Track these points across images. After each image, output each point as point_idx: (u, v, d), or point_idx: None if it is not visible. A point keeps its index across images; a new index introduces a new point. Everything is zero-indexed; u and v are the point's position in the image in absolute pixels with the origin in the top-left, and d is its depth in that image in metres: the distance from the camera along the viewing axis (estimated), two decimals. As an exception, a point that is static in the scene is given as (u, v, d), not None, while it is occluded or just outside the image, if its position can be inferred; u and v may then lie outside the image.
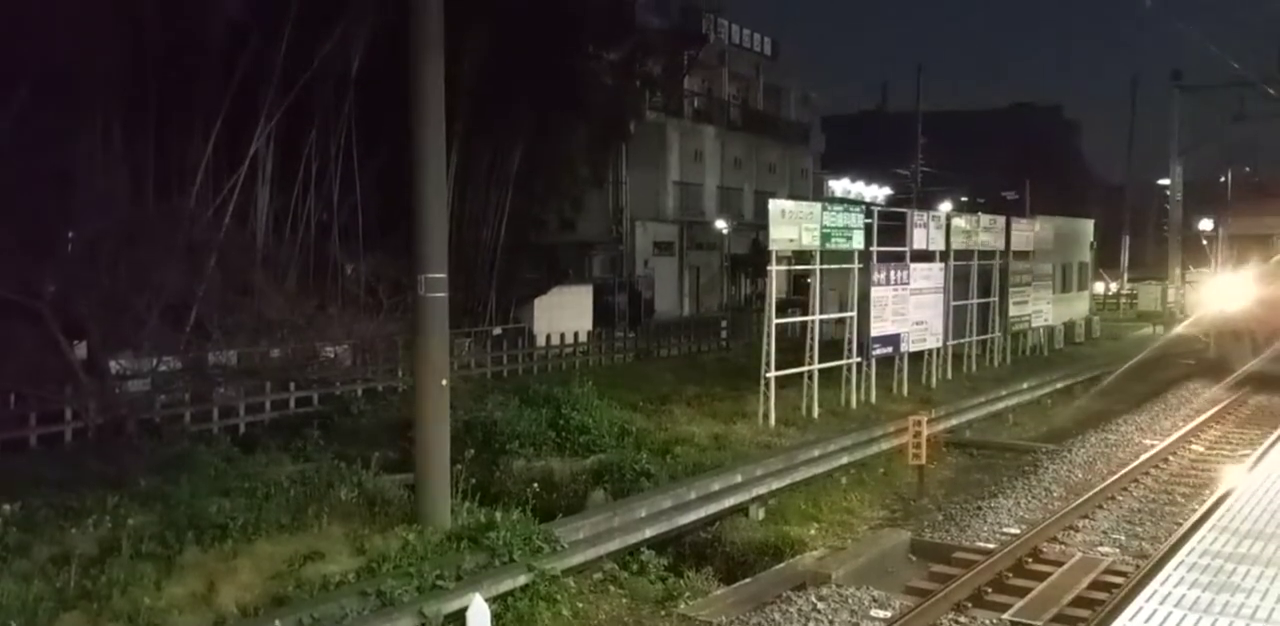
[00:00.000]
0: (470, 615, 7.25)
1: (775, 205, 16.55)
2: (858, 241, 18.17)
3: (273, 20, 18.22)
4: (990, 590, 9.18)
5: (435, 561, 8.69)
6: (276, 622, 7.44)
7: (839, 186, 56.75)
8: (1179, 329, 27.47)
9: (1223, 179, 45.57)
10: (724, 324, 28.50)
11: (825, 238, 17.22)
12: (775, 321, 16.40)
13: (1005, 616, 8.58)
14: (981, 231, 22.53)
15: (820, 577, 9.31)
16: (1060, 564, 9.85)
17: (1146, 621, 6.09)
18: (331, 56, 19.34)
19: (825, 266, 17.78)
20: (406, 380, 16.28)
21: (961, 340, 22.18)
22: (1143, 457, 14.13)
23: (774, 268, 16.76)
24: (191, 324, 15.17)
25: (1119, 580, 9.27)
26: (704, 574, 10.20)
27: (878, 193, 57.53)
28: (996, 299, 23.59)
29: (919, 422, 13.22)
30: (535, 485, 11.71)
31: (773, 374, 16.30)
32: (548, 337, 24.00)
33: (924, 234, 20.38)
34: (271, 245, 18.98)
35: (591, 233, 34.19)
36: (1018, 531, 10.84)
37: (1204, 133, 38.03)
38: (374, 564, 8.68)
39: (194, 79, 17.66)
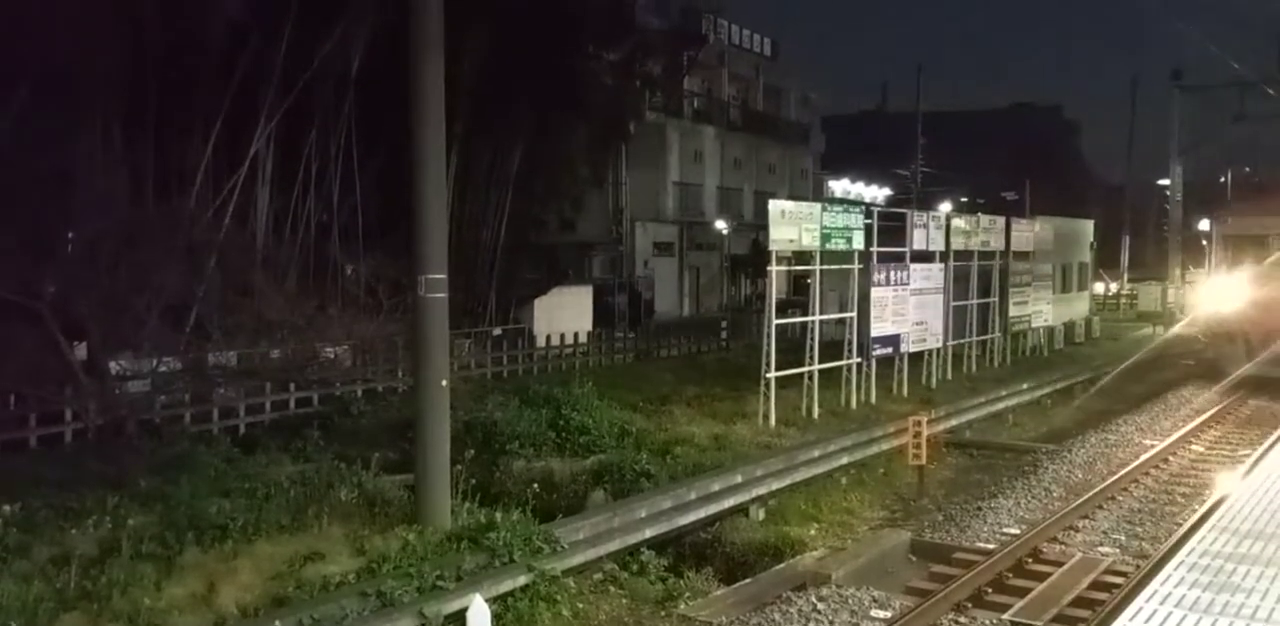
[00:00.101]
0: (470, 615, 7.26)
1: (775, 205, 16.55)
2: (858, 242, 18.18)
3: (273, 20, 18.23)
4: (990, 590, 9.18)
5: (435, 562, 8.69)
6: (276, 623, 7.44)
7: (839, 187, 56.76)
8: (1175, 329, 27.40)
9: (1223, 179, 45.62)
10: (724, 324, 28.48)
11: (825, 238, 17.22)
12: (775, 322, 16.40)
13: (1005, 616, 8.58)
14: (981, 232, 22.54)
15: (820, 578, 9.30)
16: (1060, 564, 9.85)
17: (1147, 621, 6.08)
18: (331, 57, 19.35)
19: (825, 267, 17.78)
20: (406, 380, 16.30)
21: (961, 340, 22.18)
22: (1143, 458, 14.13)
23: (774, 268, 16.76)
24: (191, 324, 15.19)
25: (1119, 580, 9.26)
26: (704, 574, 10.19)
27: (878, 193, 57.55)
28: (996, 299, 23.59)
29: (919, 423, 13.22)
30: (535, 485, 11.70)
31: (773, 374, 16.30)
32: (548, 338, 24.00)
33: (924, 234, 20.38)
34: (271, 246, 18.99)
35: (591, 233, 34.21)
36: (1018, 531, 10.83)
37: (1204, 133, 38.00)
38: (374, 564, 8.68)
39: (194, 79, 17.67)
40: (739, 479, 12.12)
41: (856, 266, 18.41)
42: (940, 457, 14.89)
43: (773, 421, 16.08)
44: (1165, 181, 40.31)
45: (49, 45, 14.21)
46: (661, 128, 37.55)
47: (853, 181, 58.07)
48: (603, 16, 26.45)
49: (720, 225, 38.79)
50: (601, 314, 28.47)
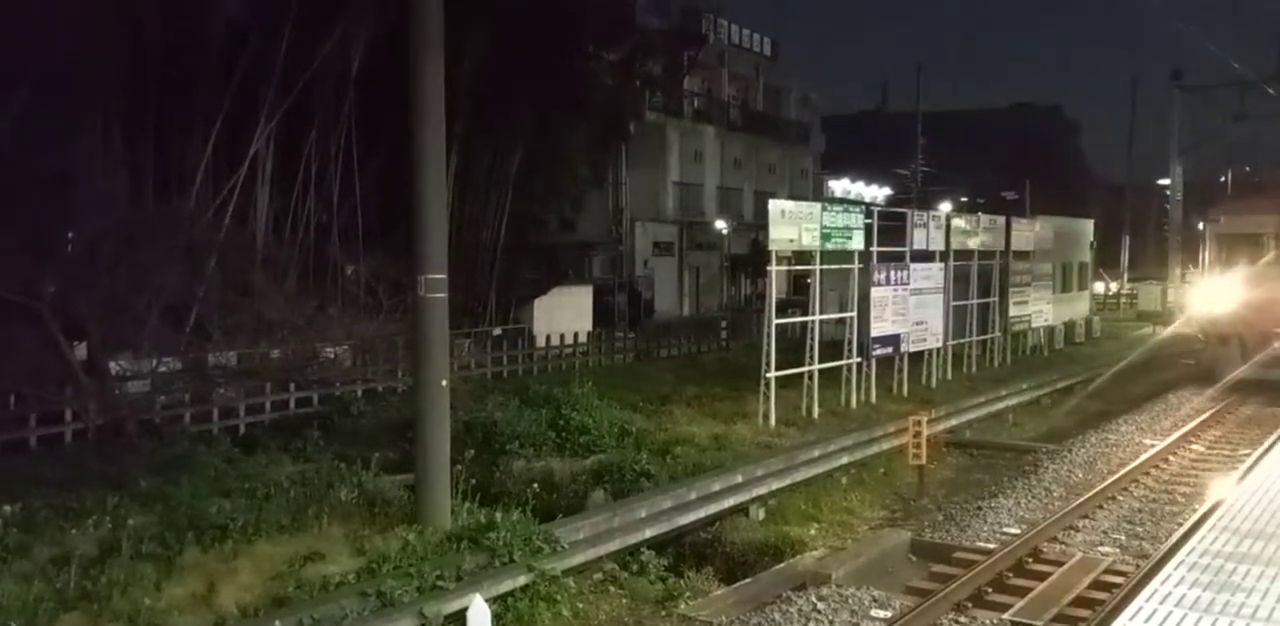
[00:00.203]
0: (470, 615, 7.26)
1: (775, 205, 16.55)
2: (858, 242, 18.18)
3: (273, 20, 18.23)
4: (990, 590, 9.18)
5: (435, 562, 8.69)
6: (277, 623, 7.44)
7: (839, 186, 56.75)
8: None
9: (1223, 179, 45.62)
10: (724, 324, 28.49)
11: (825, 238, 17.22)
12: (775, 321, 16.40)
13: (1006, 616, 8.57)
14: (981, 231, 22.54)
15: (820, 577, 9.30)
16: (1060, 564, 9.84)
17: (1147, 621, 6.08)
18: (331, 57, 19.35)
19: (825, 267, 17.78)
20: (406, 380, 16.30)
21: (961, 340, 22.19)
22: (1143, 457, 14.12)
23: (774, 268, 16.76)
24: (191, 325, 15.19)
25: (1119, 580, 9.26)
26: (704, 574, 10.19)
27: (878, 193, 57.54)
28: (996, 299, 23.60)
29: (919, 423, 13.22)
30: (535, 485, 11.70)
31: (773, 374, 16.30)
32: (548, 338, 24.00)
33: (924, 234, 20.38)
34: (271, 246, 18.99)
35: (591, 233, 34.21)
36: (1018, 531, 10.83)
37: (1204, 132, 38.04)
38: (374, 564, 8.68)
39: (194, 79, 17.67)
40: (739, 479, 12.12)
41: (856, 266, 18.42)
42: (940, 457, 14.89)
43: (773, 421, 16.08)
44: (1165, 181, 40.37)
45: (49, 45, 14.21)
46: (661, 127, 37.55)
47: (853, 181, 58.05)
48: (603, 16, 26.46)
49: (720, 225, 38.80)
50: (601, 314, 28.47)
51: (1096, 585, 9.29)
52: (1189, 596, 6.45)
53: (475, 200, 24.05)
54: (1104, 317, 35.47)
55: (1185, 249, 34.67)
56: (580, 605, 8.96)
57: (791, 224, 16.52)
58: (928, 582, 9.55)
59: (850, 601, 8.77)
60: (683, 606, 9.08)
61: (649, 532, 10.49)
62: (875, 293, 18.66)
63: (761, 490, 12.23)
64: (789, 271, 21.59)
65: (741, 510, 11.91)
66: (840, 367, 18.10)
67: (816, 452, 13.79)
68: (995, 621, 8.52)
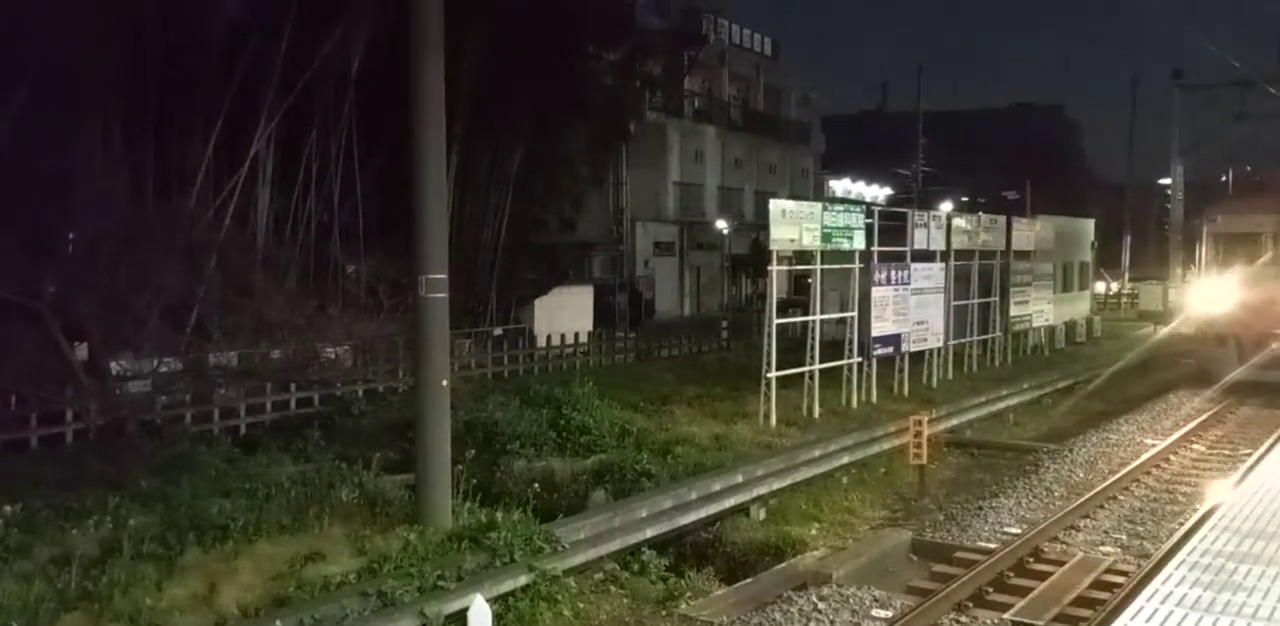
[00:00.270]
0: (471, 615, 7.25)
1: (776, 205, 16.54)
2: (858, 241, 18.17)
3: (273, 20, 18.23)
4: (991, 590, 9.18)
5: (436, 561, 8.68)
6: (278, 623, 7.44)
7: (839, 186, 56.78)
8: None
9: (1224, 178, 45.60)
10: (724, 324, 28.49)
11: (826, 238, 17.21)
12: (776, 321, 16.39)
13: (1007, 616, 8.57)
14: (982, 231, 22.53)
15: (821, 577, 9.30)
16: (1062, 563, 9.84)
17: (1148, 620, 6.08)
18: (332, 57, 19.35)
19: (826, 266, 17.78)
20: (407, 381, 16.29)
21: (962, 340, 22.18)
22: (1144, 457, 14.12)
23: (774, 268, 16.75)
24: (192, 325, 15.19)
25: (1120, 579, 9.26)
26: (705, 574, 10.19)
27: (878, 193, 57.57)
28: (997, 299, 23.59)
29: (920, 422, 13.21)
30: (536, 485, 11.69)
31: (773, 374, 16.29)
32: (548, 338, 23.99)
33: (925, 234, 20.38)
34: (272, 246, 18.99)
35: (592, 233, 34.22)
36: (1019, 531, 10.83)
37: (1205, 132, 37.97)
38: (375, 564, 8.68)
39: (194, 79, 17.67)
40: (740, 478, 12.12)
41: (857, 266, 18.41)
42: (941, 457, 14.89)
43: (773, 421, 16.08)
44: (1166, 180, 40.27)
45: (49, 45, 14.21)
46: (662, 127, 37.56)
47: (853, 181, 58.09)
48: (603, 16, 26.46)
49: (721, 225, 38.81)
50: (602, 314, 28.47)
51: (1097, 585, 9.29)
52: (1190, 596, 6.45)
53: (476, 200, 24.05)
54: (1105, 317, 35.47)
55: (1186, 248, 34.62)
56: (581, 605, 8.96)
57: (792, 224, 16.51)
58: (929, 582, 9.55)
59: (851, 601, 8.77)
60: (683, 606, 9.08)
61: (650, 532, 10.49)
62: (876, 292, 18.66)
63: (762, 490, 12.22)
64: (790, 271, 21.60)
65: (742, 510, 11.91)
66: (841, 367, 18.09)
67: (817, 452, 13.79)
68: (996, 621, 8.52)
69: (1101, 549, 10.48)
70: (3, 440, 13.11)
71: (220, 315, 14.63)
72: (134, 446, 11.63)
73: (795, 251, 17.58)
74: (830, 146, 54.39)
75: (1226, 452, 15.00)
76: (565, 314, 25.88)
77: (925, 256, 20.63)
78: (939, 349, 21.12)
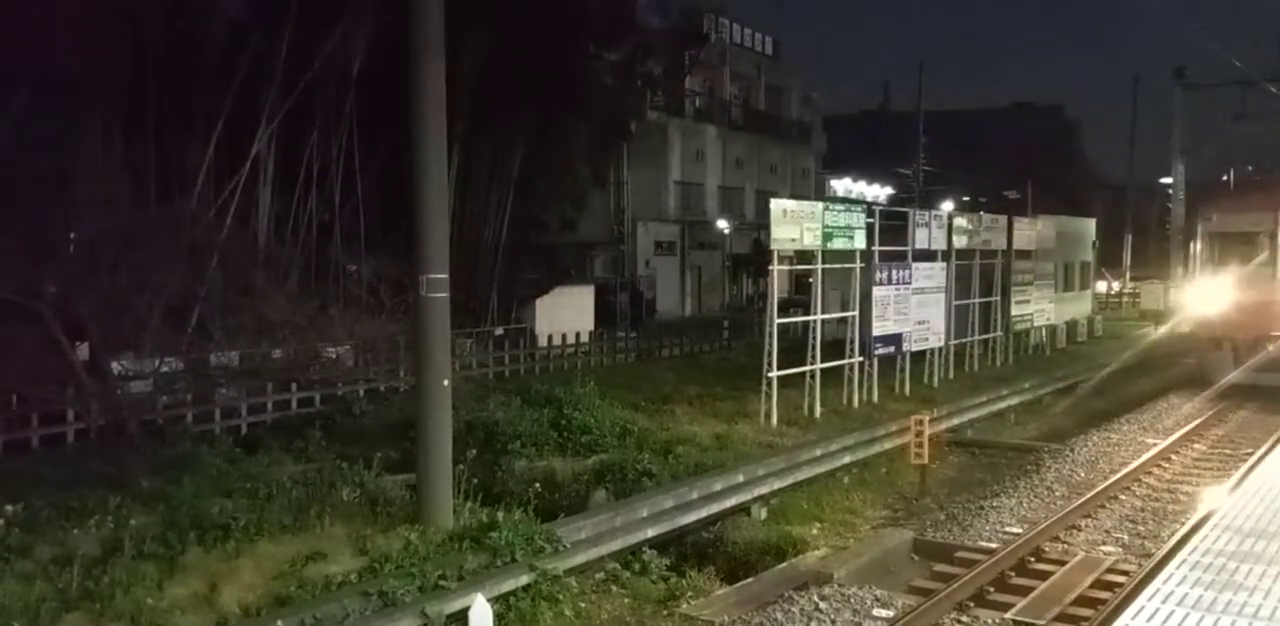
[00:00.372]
0: (472, 615, 7.25)
1: (777, 205, 16.54)
2: (859, 241, 18.17)
3: (273, 21, 18.23)
4: (993, 589, 9.18)
5: (437, 561, 8.69)
6: (279, 623, 7.44)
7: (841, 186, 56.78)
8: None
9: (1225, 178, 45.50)
10: (726, 324, 28.49)
11: (827, 237, 17.22)
12: (777, 321, 16.40)
13: (1008, 615, 8.57)
14: (983, 231, 22.53)
15: (822, 577, 9.30)
16: (1063, 563, 9.85)
17: (1149, 620, 6.08)
18: (332, 57, 19.36)
19: (827, 266, 17.78)
20: (408, 380, 16.29)
21: (964, 339, 22.18)
22: (1145, 456, 14.12)
23: (776, 267, 16.76)
24: (193, 325, 15.19)
25: (1121, 579, 9.26)
26: (706, 573, 10.18)
27: (880, 192, 57.57)
28: (998, 298, 23.58)
29: (921, 422, 13.22)
30: (537, 485, 11.69)
31: (775, 373, 16.29)
32: (549, 338, 23.99)
33: (926, 233, 20.38)
34: (273, 246, 19.00)
35: (593, 233, 34.22)
36: (1020, 530, 10.83)
37: (1207, 131, 37.97)
38: (376, 564, 8.69)
39: (195, 80, 17.68)
40: (741, 478, 12.11)
41: (858, 265, 18.40)
42: (942, 456, 14.89)
43: (775, 420, 16.08)
44: (1167, 180, 40.28)
45: (50, 45, 14.22)
46: (663, 127, 37.55)
47: (854, 181, 58.08)
48: (603, 16, 26.45)
49: (722, 224, 38.79)
50: (603, 313, 28.46)
51: (1099, 584, 9.29)
52: (1191, 595, 6.45)
53: (477, 200, 24.06)
54: (1106, 317, 35.44)
55: (1187, 248, 34.55)
56: (582, 604, 8.97)
57: (793, 223, 16.52)
58: (930, 582, 9.55)
59: (852, 601, 8.77)
60: (685, 606, 9.08)
61: (651, 532, 10.49)
62: (877, 292, 18.66)
63: (763, 489, 12.22)
64: (791, 271, 21.60)
65: (743, 509, 11.91)
66: (842, 367, 18.09)
67: (818, 452, 13.79)
68: (997, 620, 8.52)
69: (1103, 548, 10.48)
70: (4, 440, 13.14)
71: (222, 315, 14.63)
72: (135, 446, 11.64)
73: (796, 251, 17.58)
74: (831, 146, 54.39)
75: (1228, 452, 15.00)
76: (566, 313, 25.88)
77: (926, 256, 20.63)
78: (940, 348, 21.11)
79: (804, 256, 17.98)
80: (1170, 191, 38.14)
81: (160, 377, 13.27)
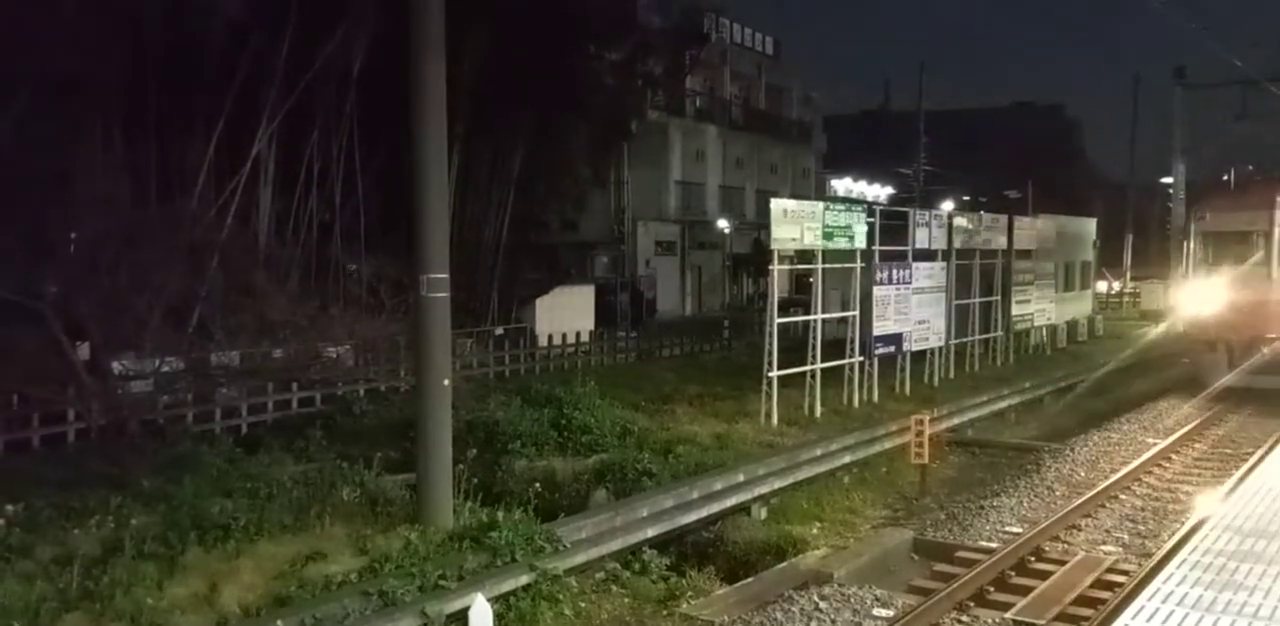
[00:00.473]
0: (472, 615, 7.25)
1: (777, 204, 16.54)
2: (860, 241, 18.16)
3: (274, 21, 18.24)
4: (993, 589, 9.18)
5: (437, 561, 8.69)
6: (279, 622, 7.44)
7: (841, 186, 56.77)
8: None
9: (1226, 177, 45.47)
10: (726, 323, 28.49)
11: (827, 237, 17.21)
12: (777, 321, 16.40)
13: (1008, 615, 8.57)
14: (984, 230, 22.52)
15: (823, 577, 9.31)
16: (1063, 562, 9.84)
17: (1149, 619, 6.08)
18: (333, 57, 19.36)
19: (827, 266, 17.77)
20: (409, 380, 16.29)
21: (964, 339, 22.17)
22: (1145, 456, 14.11)
23: (776, 267, 16.76)
24: (194, 325, 15.19)
25: (1122, 578, 9.26)
26: (706, 573, 10.18)
27: (880, 192, 57.56)
28: (999, 298, 23.58)
29: (921, 421, 13.21)
30: (537, 485, 11.70)
31: (775, 373, 16.29)
32: (550, 337, 24.00)
33: (926, 233, 20.37)
34: (274, 246, 19.01)
35: (593, 232, 34.22)
36: (1020, 530, 10.83)
37: (1207, 131, 37.96)
38: (376, 564, 8.69)
39: (195, 80, 17.69)
40: (741, 477, 12.12)
41: (859, 265, 18.40)
42: (943, 456, 14.88)
43: (775, 420, 16.08)
44: (1168, 179, 40.27)
45: (51, 46, 14.22)
46: (663, 127, 37.56)
47: (855, 180, 58.07)
48: (604, 16, 26.44)
49: (722, 224, 38.80)
50: (603, 313, 28.47)
51: (1099, 584, 9.29)
52: (1191, 595, 6.45)
53: (477, 200, 24.06)
54: (1106, 317, 35.42)
55: (1182, 247, 34.51)
56: (582, 604, 8.97)
57: (794, 223, 16.52)
58: (930, 581, 9.55)
59: (852, 600, 8.77)
60: (685, 605, 9.08)
61: (651, 532, 10.50)
62: (877, 291, 18.66)
63: (763, 489, 12.22)
64: (791, 270, 21.59)
65: (744, 509, 11.91)
66: (842, 366, 18.09)
67: (819, 451, 13.79)
68: (998, 620, 8.52)
69: (1103, 548, 10.48)
70: (5, 440, 13.15)
71: (222, 315, 14.64)
72: (136, 446, 11.64)
73: (797, 251, 17.58)
74: (832, 146, 54.41)
75: (1229, 451, 14.99)
76: (567, 313, 25.89)
77: (927, 255, 20.62)
78: (940, 348, 21.11)
79: (804, 256, 17.97)
80: (1171, 191, 38.11)
81: (161, 377, 13.27)
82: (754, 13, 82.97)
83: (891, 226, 19.63)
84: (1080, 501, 11.73)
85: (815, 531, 11.57)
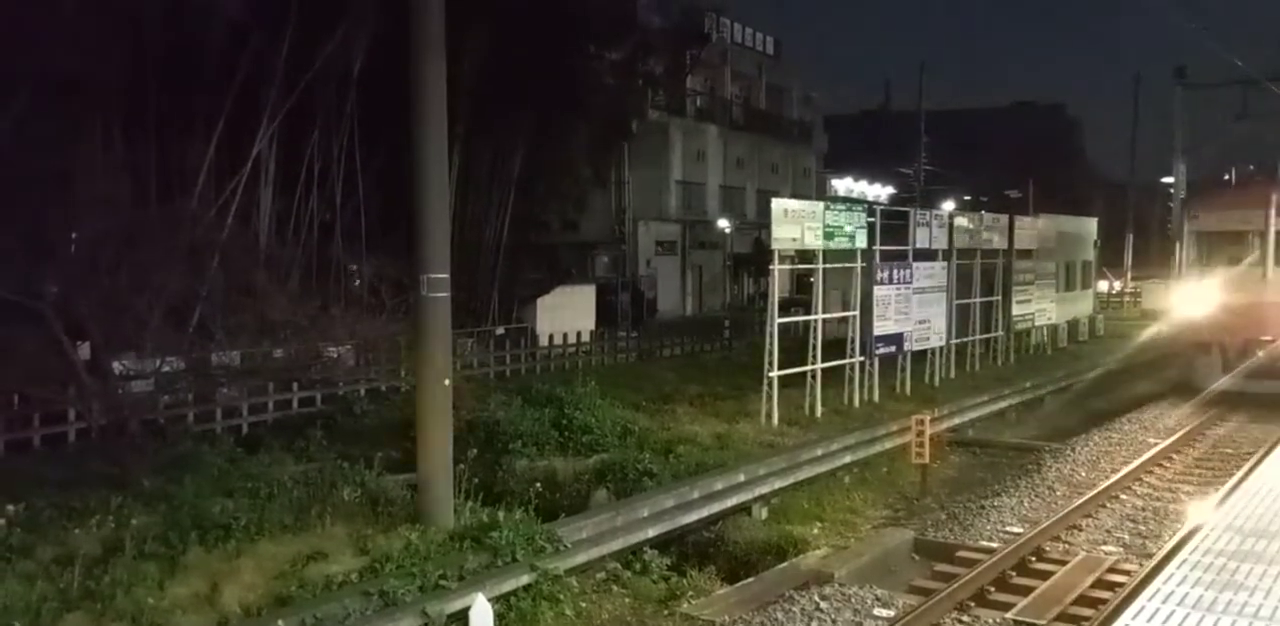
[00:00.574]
0: (473, 615, 7.25)
1: (778, 204, 16.54)
2: (860, 240, 18.16)
3: (274, 21, 18.23)
4: (993, 589, 9.18)
5: (438, 561, 8.69)
6: (280, 622, 7.45)
7: (842, 186, 56.75)
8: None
9: (1227, 177, 45.46)
10: (727, 323, 28.49)
11: (828, 237, 17.21)
12: (778, 320, 16.40)
13: (1008, 615, 8.57)
14: (984, 230, 22.52)
15: (823, 577, 9.31)
16: (1064, 562, 9.85)
17: (1150, 619, 6.08)
18: (333, 57, 19.35)
19: (828, 265, 17.77)
20: (409, 380, 16.23)
21: (965, 339, 22.17)
22: (1146, 456, 14.11)
23: (776, 267, 16.76)
24: (195, 324, 15.18)
25: (1122, 578, 9.26)
26: (707, 573, 10.19)
27: (881, 192, 57.56)
28: (1000, 297, 23.57)
29: (922, 421, 13.21)
30: (538, 485, 11.71)
31: (775, 373, 16.29)
32: (550, 337, 23.99)
33: (927, 233, 20.37)
34: (274, 246, 18.99)
35: (594, 232, 34.22)
36: (1021, 530, 10.83)
37: (1208, 131, 37.93)
38: (377, 564, 8.69)
39: (196, 80, 17.68)
40: (742, 477, 12.12)
41: (859, 265, 18.40)
42: (943, 456, 14.89)
43: (775, 420, 16.08)
44: (1169, 179, 40.24)
45: (51, 46, 14.22)
46: (664, 126, 37.55)
47: (856, 180, 58.06)
48: (604, 16, 26.43)
49: (723, 224, 38.80)
50: (604, 313, 28.47)
51: (1099, 584, 9.29)
52: (1192, 595, 6.45)
53: (478, 200, 24.05)
54: (1107, 316, 35.41)
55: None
56: (583, 604, 8.97)
57: (794, 223, 16.52)
58: (931, 581, 9.55)
59: (853, 600, 8.77)
60: (685, 605, 9.08)
61: (652, 532, 10.50)
62: (878, 291, 18.66)
63: (764, 489, 12.23)
64: (792, 270, 21.61)
65: (744, 509, 11.91)
66: (843, 366, 18.09)
67: (819, 451, 13.79)
68: (998, 620, 8.52)
69: (1104, 548, 10.48)
70: (6, 440, 13.15)
71: (223, 315, 14.61)
72: (136, 446, 11.64)
73: (797, 250, 17.58)
74: (832, 145, 54.41)
75: (1229, 451, 14.99)
76: (567, 313, 25.88)
77: (927, 255, 20.61)
78: (941, 348, 21.11)
79: (805, 256, 17.98)
80: (1172, 191, 38.09)
81: (161, 377, 13.26)
82: (754, 13, 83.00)
83: (892, 226, 19.63)
84: (1081, 501, 11.73)
85: (816, 531, 11.57)
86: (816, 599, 8.77)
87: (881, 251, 18.93)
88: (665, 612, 8.98)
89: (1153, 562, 9.13)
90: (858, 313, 18.40)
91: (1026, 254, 24.94)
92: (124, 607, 7.72)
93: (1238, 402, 18.24)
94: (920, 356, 20.39)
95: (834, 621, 8.41)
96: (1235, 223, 18.82)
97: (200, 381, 14.45)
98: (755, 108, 45.90)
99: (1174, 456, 14.64)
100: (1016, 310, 24.37)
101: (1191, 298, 18.97)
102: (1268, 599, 6.41)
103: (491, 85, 21.71)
